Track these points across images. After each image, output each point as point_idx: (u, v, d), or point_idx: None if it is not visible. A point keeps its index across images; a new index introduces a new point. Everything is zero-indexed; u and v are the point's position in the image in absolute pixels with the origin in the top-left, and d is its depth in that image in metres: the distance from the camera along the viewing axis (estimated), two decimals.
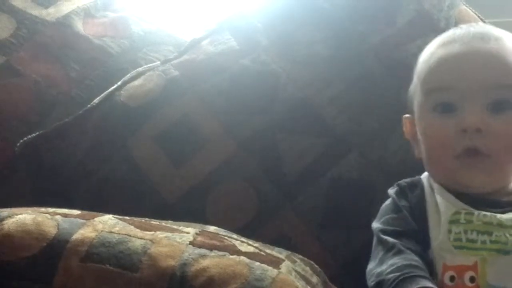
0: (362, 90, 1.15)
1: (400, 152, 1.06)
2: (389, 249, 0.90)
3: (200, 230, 0.97)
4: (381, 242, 0.92)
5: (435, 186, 0.96)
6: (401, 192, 0.98)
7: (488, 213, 0.91)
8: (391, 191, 0.99)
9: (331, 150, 1.17)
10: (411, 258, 0.88)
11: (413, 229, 0.93)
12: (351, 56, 1.22)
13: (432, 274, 0.89)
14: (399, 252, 0.89)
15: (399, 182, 1.00)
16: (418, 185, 0.99)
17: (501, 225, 0.90)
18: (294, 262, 0.98)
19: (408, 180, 1.00)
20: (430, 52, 1.00)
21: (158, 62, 1.28)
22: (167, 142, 1.18)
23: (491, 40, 0.97)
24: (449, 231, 0.90)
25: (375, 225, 0.96)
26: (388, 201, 0.99)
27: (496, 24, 1.29)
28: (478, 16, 1.30)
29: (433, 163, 0.98)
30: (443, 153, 0.94)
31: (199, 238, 0.93)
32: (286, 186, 1.17)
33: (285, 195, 1.16)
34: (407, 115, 1.04)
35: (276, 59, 1.23)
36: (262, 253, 0.95)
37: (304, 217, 1.16)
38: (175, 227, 0.97)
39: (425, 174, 1.01)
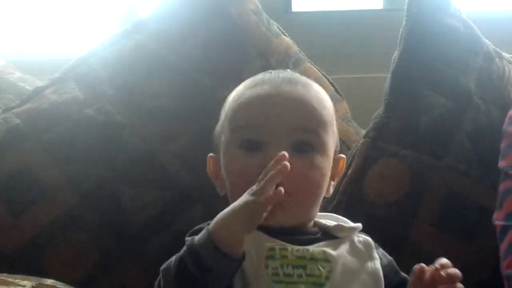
0: (207, 144, 1.17)
1: None
2: None
3: (37, 283, 0.95)
4: None
5: None
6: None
7: (301, 248, 0.94)
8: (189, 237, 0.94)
9: (175, 203, 1.18)
10: None
11: None
12: (197, 110, 1.24)
13: None
14: None
15: (195, 228, 0.98)
16: None
17: (313, 258, 0.93)
18: None
19: (204, 224, 0.96)
20: (239, 92, 1.04)
21: None
22: (6, 192, 1.15)
23: (298, 85, 1.02)
24: (266, 266, 0.91)
25: None
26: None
27: (340, 80, 1.38)
28: (322, 74, 1.37)
29: (236, 199, 0.96)
30: (246, 189, 0.91)
31: None
32: (128, 238, 1.16)
33: (127, 248, 1.16)
34: (211, 154, 1.06)
35: (121, 110, 1.23)
36: None
37: (146, 270, 1.15)
38: (10, 280, 0.94)
39: None
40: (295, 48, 1.37)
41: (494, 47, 1.36)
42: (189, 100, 1.25)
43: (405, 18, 1.33)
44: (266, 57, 1.31)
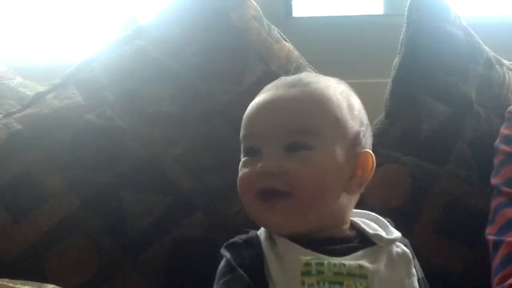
0: (208, 149, 1.17)
1: (244, 212, 1.07)
2: None
3: None
4: None
5: (276, 236, 0.95)
6: (236, 251, 0.94)
7: (337, 262, 0.91)
8: (225, 251, 0.95)
9: (175, 208, 1.17)
10: None
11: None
12: (198, 115, 1.24)
13: None
14: None
15: (233, 240, 0.97)
16: (254, 242, 0.96)
17: (350, 273, 0.90)
18: None
19: (243, 236, 0.97)
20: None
21: (0, 115, 1.24)
22: (8, 197, 1.15)
23: (297, 86, 0.99)
24: (302, 283, 0.89)
25: None
26: (223, 262, 0.94)
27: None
28: None
29: (246, 208, 0.99)
30: (248, 195, 0.96)
31: None
32: (129, 244, 1.15)
33: (128, 253, 1.15)
34: None
35: (122, 115, 1.23)
36: None
37: (147, 276, 1.15)
38: (11, 285, 0.94)
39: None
40: (296, 53, 1.37)
41: (494, 54, 1.36)
42: (190, 105, 1.25)
43: (405, 25, 1.33)
44: (267, 63, 1.30)
